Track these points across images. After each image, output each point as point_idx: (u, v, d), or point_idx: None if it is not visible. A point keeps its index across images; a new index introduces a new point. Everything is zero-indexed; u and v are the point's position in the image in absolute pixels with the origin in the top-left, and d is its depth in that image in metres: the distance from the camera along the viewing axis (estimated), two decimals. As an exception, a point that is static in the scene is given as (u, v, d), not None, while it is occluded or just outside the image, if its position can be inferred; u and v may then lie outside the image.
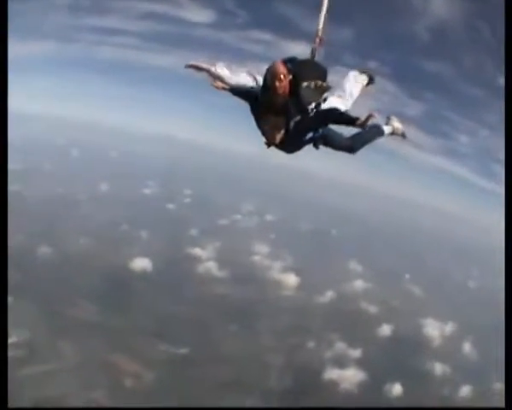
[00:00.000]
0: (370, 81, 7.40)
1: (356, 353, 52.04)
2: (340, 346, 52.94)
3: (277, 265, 73.04)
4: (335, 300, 64.94)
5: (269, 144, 6.56)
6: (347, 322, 57.96)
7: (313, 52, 7.16)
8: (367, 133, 6.92)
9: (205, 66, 6.53)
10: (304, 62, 6.66)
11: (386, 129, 7.31)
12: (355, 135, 6.87)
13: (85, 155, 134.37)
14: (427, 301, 69.80)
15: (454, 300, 72.49)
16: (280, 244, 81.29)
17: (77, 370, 41.20)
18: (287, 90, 6.24)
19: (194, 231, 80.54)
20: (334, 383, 46.80)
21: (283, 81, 6.23)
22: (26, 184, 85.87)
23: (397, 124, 7.33)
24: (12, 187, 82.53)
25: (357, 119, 6.05)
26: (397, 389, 46.33)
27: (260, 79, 6.56)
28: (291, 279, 68.56)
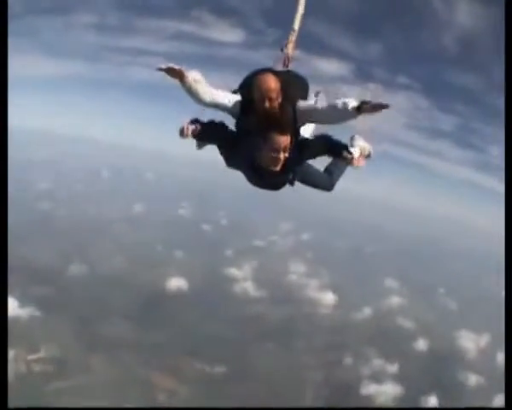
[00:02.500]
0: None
1: (393, 368, 52.65)
2: (377, 361, 53.61)
3: (314, 283, 73.53)
4: (372, 316, 65.54)
5: (259, 176, 5.87)
6: (384, 338, 58.52)
7: (287, 63, 6.57)
8: (340, 164, 6.38)
9: (177, 69, 5.36)
10: (285, 74, 6.03)
11: (354, 151, 6.26)
12: (330, 169, 6.50)
13: (117, 176, 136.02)
14: (461, 314, 69.88)
15: (488, 311, 70.31)
16: (316, 263, 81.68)
17: (108, 385, 41.26)
18: (275, 109, 5.52)
19: (230, 252, 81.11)
20: (370, 398, 47.52)
21: (274, 101, 5.51)
22: (56, 203, 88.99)
23: (362, 143, 6.42)
24: (42, 206, 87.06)
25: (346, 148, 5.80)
26: (432, 401, 47.04)
27: (233, 99, 5.80)
28: (328, 297, 69.18)
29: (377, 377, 50.85)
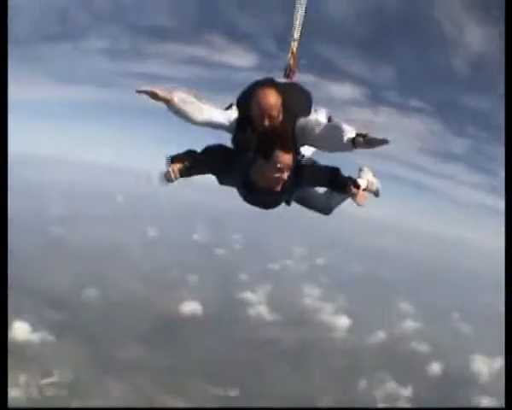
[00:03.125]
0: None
1: (407, 391, 52.91)
2: (391, 385, 53.78)
3: (329, 307, 73.74)
4: (386, 340, 65.68)
5: (255, 195, 5.41)
6: (398, 361, 58.73)
7: (288, 74, 6.26)
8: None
9: (160, 93, 4.91)
10: (287, 87, 5.51)
11: (360, 183, 5.75)
12: (330, 192, 5.92)
13: (132, 201, 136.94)
14: (475, 338, 69.73)
15: (502, 335, 70.77)
16: (331, 287, 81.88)
17: (121, 409, 41.26)
18: (275, 125, 5.06)
19: (244, 276, 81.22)
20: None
21: (274, 119, 5.05)
22: (69, 228, 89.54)
23: (371, 178, 5.93)
24: (55, 230, 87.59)
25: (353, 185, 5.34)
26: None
27: (229, 115, 5.33)
28: (342, 321, 69.32)
29: (391, 401, 51.33)
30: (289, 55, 6.23)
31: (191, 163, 5.05)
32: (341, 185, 5.34)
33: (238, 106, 5.36)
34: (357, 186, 5.33)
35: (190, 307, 63.52)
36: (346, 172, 5.51)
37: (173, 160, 5.00)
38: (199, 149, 5.27)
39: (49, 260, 69.14)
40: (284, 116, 5.09)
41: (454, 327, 75.79)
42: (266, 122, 4.98)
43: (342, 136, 4.77)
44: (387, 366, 57.14)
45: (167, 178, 4.89)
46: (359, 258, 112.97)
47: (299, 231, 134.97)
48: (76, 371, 44.64)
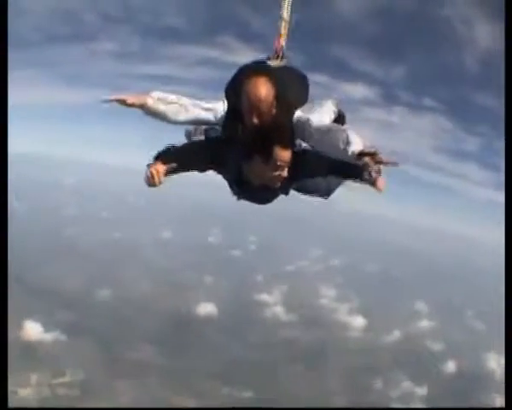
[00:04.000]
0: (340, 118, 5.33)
1: (422, 390, 53.31)
2: (407, 384, 54.11)
3: (344, 307, 74.22)
4: (402, 339, 65.92)
5: (249, 191, 4.96)
6: (413, 361, 59.03)
7: (280, 53, 5.47)
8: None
9: (131, 98, 4.49)
10: (281, 72, 4.92)
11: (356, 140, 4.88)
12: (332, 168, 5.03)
13: (144, 202, 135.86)
14: (488, 336, 68.36)
15: None
16: (346, 287, 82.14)
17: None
18: (271, 120, 4.50)
19: (260, 277, 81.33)
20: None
21: (264, 116, 4.46)
22: (82, 228, 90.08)
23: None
24: (68, 231, 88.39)
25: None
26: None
27: (218, 108, 4.78)
28: (358, 321, 69.85)
29: (407, 400, 51.65)
30: (280, 37, 5.46)
31: (174, 162, 4.49)
32: (353, 174, 4.73)
33: (226, 96, 4.82)
34: (370, 175, 4.54)
35: (205, 308, 63.88)
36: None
37: (155, 160, 4.49)
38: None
39: (63, 260, 69.86)
40: (280, 108, 4.56)
41: (468, 325, 75.91)
42: (255, 119, 4.43)
43: (346, 149, 4.27)
44: (403, 365, 57.52)
45: (149, 182, 4.37)
46: (374, 257, 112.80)
47: (314, 231, 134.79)
48: (88, 372, 44.91)
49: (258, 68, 4.75)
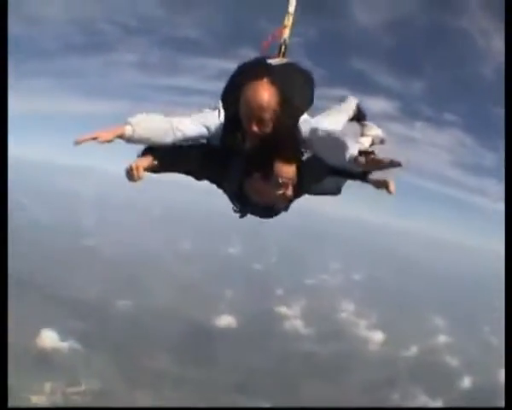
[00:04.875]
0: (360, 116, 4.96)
1: (437, 404, 54.35)
2: (423, 398, 55.02)
3: (364, 322, 74.85)
4: (419, 354, 66.62)
5: (251, 207, 4.45)
6: (430, 375, 59.37)
7: (282, 48, 5.13)
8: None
9: (106, 135, 3.83)
10: (285, 72, 4.31)
11: (366, 142, 4.77)
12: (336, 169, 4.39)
13: (166, 213, 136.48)
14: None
15: None
16: (366, 302, 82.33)
17: None
18: (268, 130, 3.96)
19: (280, 291, 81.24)
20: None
21: (266, 124, 3.93)
22: (102, 238, 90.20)
23: (375, 131, 4.94)
24: (88, 241, 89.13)
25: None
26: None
27: (211, 119, 4.24)
28: (377, 336, 70.56)
29: None
30: (284, 29, 5.15)
31: (162, 160, 4.16)
32: (357, 176, 4.53)
33: (223, 103, 4.30)
34: (386, 183, 4.36)
35: (225, 320, 64.47)
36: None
37: (142, 154, 4.14)
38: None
39: (82, 270, 70.33)
40: (284, 114, 4.02)
41: (485, 340, 76.04)
42: (255, 128, 3.93)
43: (344, 153, 3.66)
44: (420, 379, 58.11)
45: (128, 176, 3.94)
46: (393, 272, 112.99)
47: (335, 244, 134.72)
48: (105, 381, 45.10)
49: (258, 69, 4.10)
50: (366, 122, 4.96)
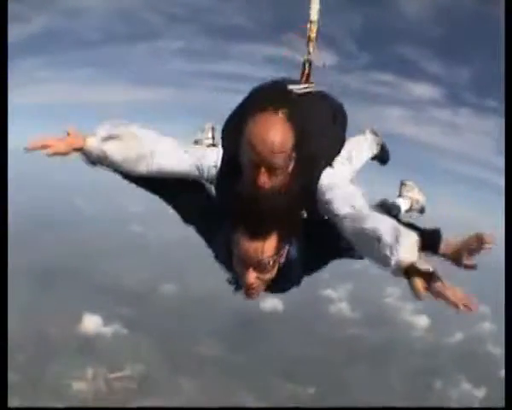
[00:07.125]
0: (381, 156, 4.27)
1: (480, 393, 54.62)
2: (466, 386, 55.40)
3: (409, 307, 73.96)
4: (463, 341, 66.50)
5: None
6: (474, 363, 59.46)
7: (306, 68, 4.08)
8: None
9: (61, 146, 3.05)
10: (310, 101, 3.41)
11: (402, 204, 4.23)
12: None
13: None
14: None
15: None
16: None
17: (195, 404, 41.06)
18: (275, 190, 2.82)
19: (326, 275, 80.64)
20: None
21: (276, 175, 2.85)
22: (148, 225, 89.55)
23: (416, 195, 4.31)
24: (134, 228, 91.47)
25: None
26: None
27: (209, 156, 3.30)
28: (422, 321, 70.39)
29: (464, 401, 53.04)
30: (309, 44, 4.25)
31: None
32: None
33: (223, 138, 3.43)
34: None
35: (271, 303, 64.41)
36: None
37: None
38: None
39: (128, 257, 70.98)
40: (299, 166, 3.00)
41: (529, 329, 74.70)
42: (262, 180, 2.81)
43: (390, 258, 2.72)
44: (463, 367, 58.41)
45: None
46: (440, 259, 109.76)
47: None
48: (148, 366, 44.95)
49: (273, 97, 3.02)
50: (406, 181, 4.34)
